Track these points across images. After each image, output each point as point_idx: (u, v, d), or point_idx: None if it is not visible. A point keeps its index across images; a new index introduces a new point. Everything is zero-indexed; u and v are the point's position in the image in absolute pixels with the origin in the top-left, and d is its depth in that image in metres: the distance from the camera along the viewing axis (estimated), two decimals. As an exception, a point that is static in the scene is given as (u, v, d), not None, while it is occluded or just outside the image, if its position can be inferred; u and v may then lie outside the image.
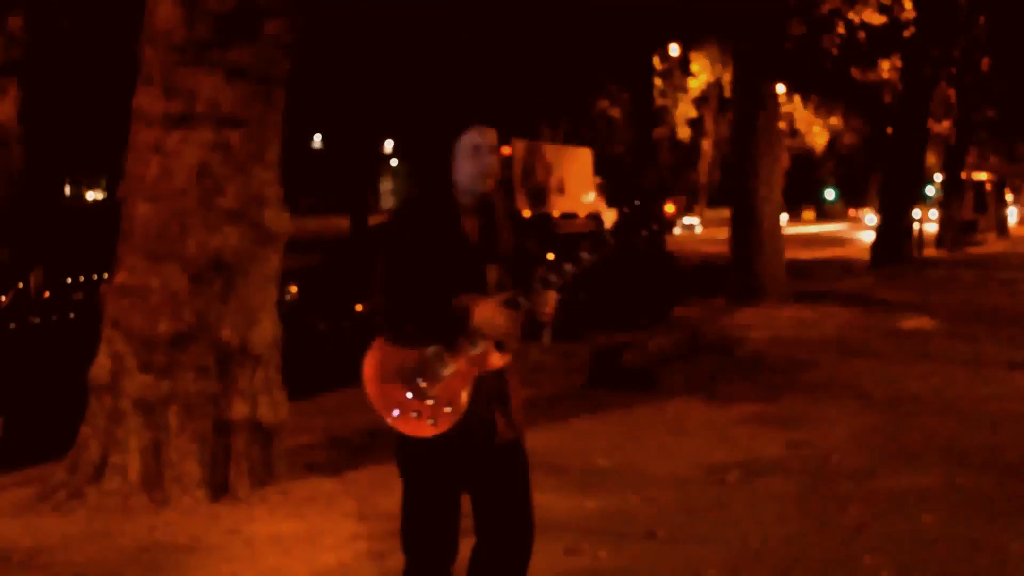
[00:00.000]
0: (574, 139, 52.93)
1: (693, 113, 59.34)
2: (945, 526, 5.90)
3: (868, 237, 36.48)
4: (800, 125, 58.35)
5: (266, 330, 6.70)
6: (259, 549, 5.62)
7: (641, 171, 13.33)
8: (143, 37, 6.56)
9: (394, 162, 68.27)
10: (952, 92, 33.52)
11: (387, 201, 67.69)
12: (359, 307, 11.95)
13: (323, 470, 7.10)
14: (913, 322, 14.77)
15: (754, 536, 5.75)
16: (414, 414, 3.62)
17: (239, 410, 6.54)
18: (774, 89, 17.34)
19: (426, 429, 3.60)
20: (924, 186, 39.20)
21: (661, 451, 7.68)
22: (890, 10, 23.01)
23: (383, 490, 6.59)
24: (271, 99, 6.76)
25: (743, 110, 16.66)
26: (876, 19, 22.93)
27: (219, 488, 6.43)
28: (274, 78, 6.76)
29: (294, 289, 12.27)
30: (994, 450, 7.62)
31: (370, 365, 3.66)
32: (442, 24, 29.25)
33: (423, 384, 3.61)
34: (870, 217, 60.69)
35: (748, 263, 16.71)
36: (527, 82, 38.03)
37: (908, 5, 23.56)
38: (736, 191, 16.90)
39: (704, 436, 8.17)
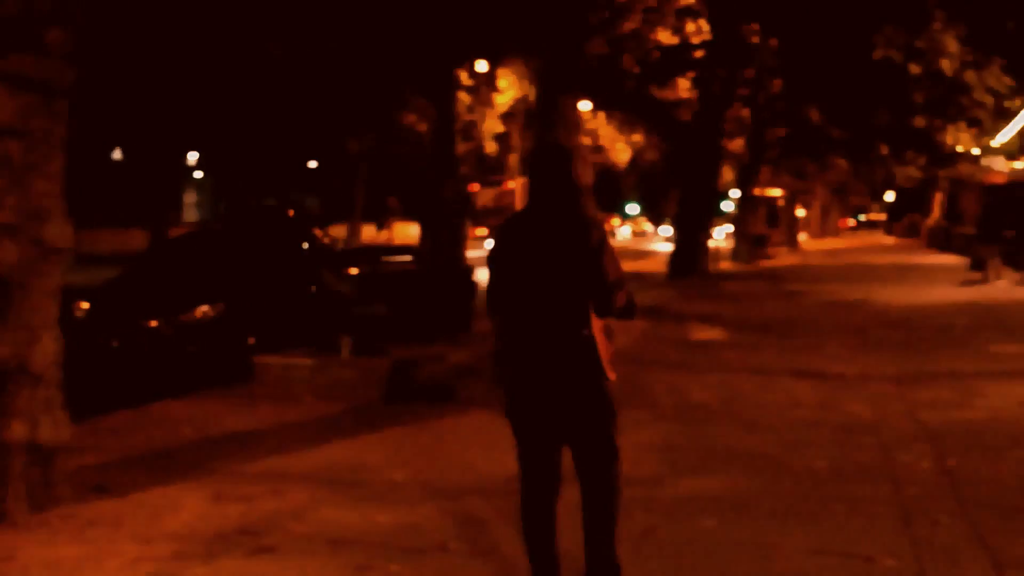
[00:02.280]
0: (381, 154, 52.87)
1: (500, 128, 59.95)
2: (725, 530, 6.13)
3: (668, 250, 37.50)
4: (604, 141, 59.71)
5: (47, 348, 6.48)
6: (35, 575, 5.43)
7: (442, 185, 13.42)
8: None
9: (198, 174, 66.76)
10: (745, 112, 34.84)
11: (190, 214, 66.12)
12: (154, 323, 11.65)
13: (111, 492, 6.90)
14: (704, 333, 15.30)
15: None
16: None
17: (17, 431, 6.30)
18: (574, 106, 17.69)
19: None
20: (719, 202, 40.60)
21: (457, 464, 7.74)
22: (681, 31, 23.80)
23: (172, 511, 6.46)
24: (53, 110, 6.55)
25: (544, 127, 16.93)
26: (669, 39, 23.69)
27: (-6, 513, 6.18)
28: (57, 88, 6.55)
29: (85, 305, 11.88)
30: (775, 455, 7.95)
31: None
32: (247, 36, 28.80)
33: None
34: (664, 228, 62.42)
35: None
36: (333, 96, 37.80)
37: (699, 27, 24.42)
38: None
39: (500, 448, 8.23)
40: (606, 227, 4.65)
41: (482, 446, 8.31)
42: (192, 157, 60.29)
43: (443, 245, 13.41)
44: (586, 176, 4.29)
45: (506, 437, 8.54)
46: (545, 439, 4.78)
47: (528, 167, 4.74)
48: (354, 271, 14.52)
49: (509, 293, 4.69)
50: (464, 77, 52.76)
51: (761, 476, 7.33)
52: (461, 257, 13.71)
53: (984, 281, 25.99)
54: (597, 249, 4.56)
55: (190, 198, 68.32)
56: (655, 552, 5.75)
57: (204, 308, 11.72)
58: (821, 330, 16.37)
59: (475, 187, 59.01)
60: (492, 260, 4.75)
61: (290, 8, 24.69)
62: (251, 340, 11.67)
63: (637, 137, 52.86)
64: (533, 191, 4.67)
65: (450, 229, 13.60)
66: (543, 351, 4.63)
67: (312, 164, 65.20)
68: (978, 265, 27.65)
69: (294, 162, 62.35)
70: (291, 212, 18.98)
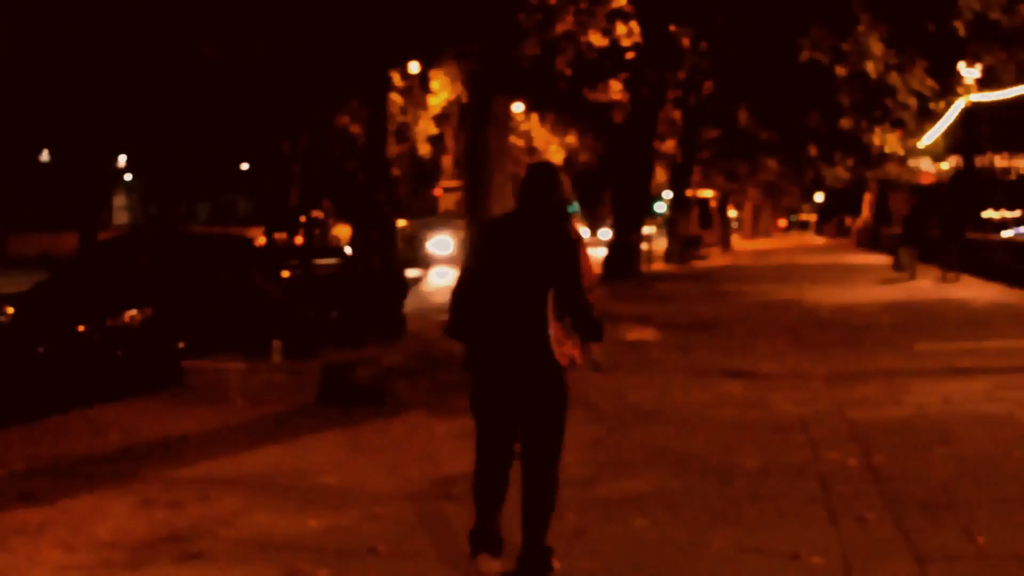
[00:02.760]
0: (315, 155, 52.55)
1: (434, 130, 59.87)
2: (656, 529, 6.17)
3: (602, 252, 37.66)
4: (538, 143, 59.85)
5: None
6: (-43, 586, 5.34)
7: (373, 188, 13.35)
8: None
9: (128, 177, 65.91)
10: (677, 113, 35.08)
11: (120, 217, 65.26)
12: (81, 328, 11.48)
13: (36, 499, 6.79)
14: (637, 334, 15.39)
15: (475, 547, 5.86)
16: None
17: (-63, 439, 6.18)
18: (507, 108, 17.69)
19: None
20: (653, 203, 40.88)
21: (388, 467, 7.71)
22: (611, 33, 23.91)
23: (98, 518, 6.38)
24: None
25: (476, 128, 16.92)
26: (600, 41, 23.78)
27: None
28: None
29: (10, 311, 11.68)
30: (706, 455, 8.02)
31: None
32: (178, 36, 28.47)
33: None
34: (604, 232, 62.70)
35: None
36: (265, 96, 37.51)
37: (629, 29, 24.54)
38: (469, 207, 17.12)
39: (432, 450, 8.26)
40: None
41: (414, 449, 8.30)
42: (122, 159, 59.50)
43: (375, 247, 13.35)
44: (569, 190, 4.76)
45: (437, 440, 8.58)
46: (502, 418, 5.32)
47: (522, 182, 5.27)
48: (285, 274, 14.42)
49: (481, 285, 5.23)
50: (397, 78, 52.72)
51: (692, 475, 7.39)
52: (393, 259, 13.65)
53: (908, 279, 26.54)
54: (574, 257, 5.16)
55: (120, 201, 67.41)
56: (586, 552, 5.77)
57: (132, 312, 11.57)
58: (752, 330, 16.55)
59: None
60: (473, 252, 5.35)
61: (222, 8, 24.49)
62: (181, 344, 11.53)
63: (571, 139, 53.10)
64: (524, 202, 5.26)
65: (382, 231, 13.54)
66: (504, 339, 5.16)
67: (244, 166, 64.67)
68: (901, 264, 28.28)
69: (226, 164, 61.77)
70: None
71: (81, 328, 11.50)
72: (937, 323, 16.90)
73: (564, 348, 5.19)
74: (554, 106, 35.66)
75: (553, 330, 5.14)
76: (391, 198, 13.97)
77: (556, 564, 5.40)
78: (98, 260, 14.13)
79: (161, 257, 13.13)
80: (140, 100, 37.35)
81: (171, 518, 6.39)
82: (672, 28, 24.71)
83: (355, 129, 49.01)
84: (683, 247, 39.18)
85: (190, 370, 10.65)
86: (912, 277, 26.72)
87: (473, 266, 5.32)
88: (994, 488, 6.91)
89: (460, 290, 5.35)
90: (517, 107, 47.12)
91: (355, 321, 12.66)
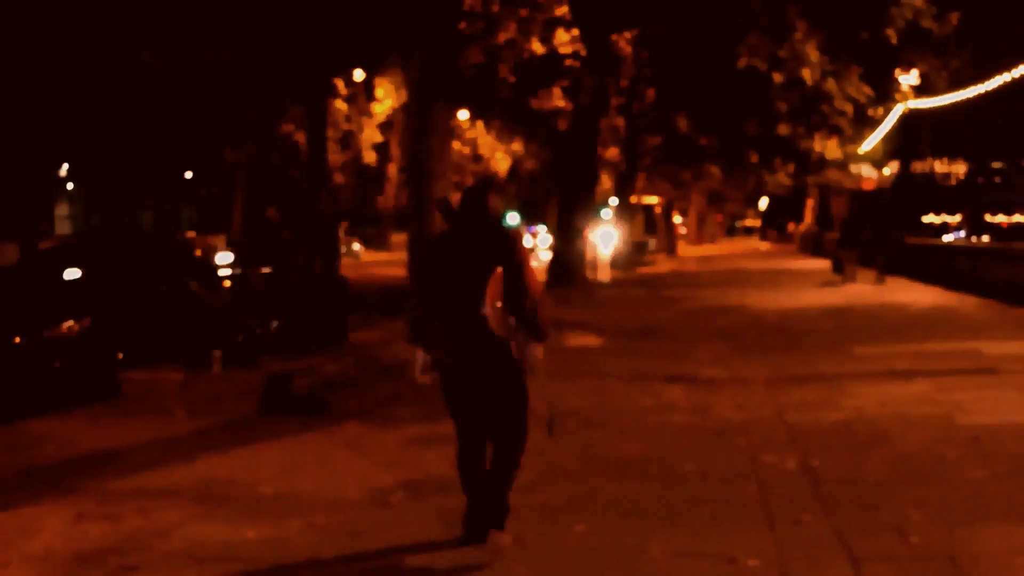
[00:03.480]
0: (260, 163, 52.22)
1: (379, 138, 59.73)
2: (594, 534, 6.19)
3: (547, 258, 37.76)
4: (484, 151, 59.89)
5: None
6: None
7: (315, 196, 13.30)
8: None
9: (70, 186, 65.10)
10: (620, 121, 35.26)
11: (63, 227, 64.44)
12: (17, 339, 11.34)
13: (-33, 515, 6.69)
14: (579, 340, 15.44)
15: (413, 555, 5.85)
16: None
17: None
18: (449, 115, 17.68)
19: None
20: (598, 210, 41.02)
21: (328, 476, 7.68)
22: (550, 40, 23.99)
23: (32, 532, 6.30)
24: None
25: (418, 136, 16.89)
26: (539, 49, 23.85)
27: None
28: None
29: (-57, 322, 11.52)
30: (646, 460, 8.06)
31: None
32: (119, 43, 28.21)
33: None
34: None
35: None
36: (208, 104, 37.24)
37: (572, 37, 24.64)
38: (412, 215, 17.08)
39: (372, 459, 8.24)
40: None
41: (353, 459, 8.27)
42: (64, 168, 58.78)
43: (317, 255, 13.29)
44: (500, 206, 5.43)
45: (378, 449, 8.56)
46: (468, 394, 5.91)
47: (460, 201, 5.95)
48: (227, 283, 14.33)
49: (435, 286, 5.85)
50: (341, 86, 52.57)
51: (632, 480, 7.43)
52: (335, 267, 13.60)
53: (845, 282, 26.91)
54: (516, 253, 5.79)
55: (62, 210, 66.56)
56: (523, 557, 5.78)
57: (70, 323, 11.43)
58: (695, 335, 16.66)
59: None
60: (426, 260, 6.05)
61: (164, 15, 24.28)
62: (120, 355, 11.42)
63: (517, 146, 53.19)
64: (461, 219, 5.94)
65: (324, 239, 13.48)
66: (455, 326, 5.76)
67: (189, 174, 64.12)
68: (839, 267, 28.73)
69: (170, 172, 61.20)
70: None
71: (17, 339, 11.36)
72: (876, 327, 17.10)
73: (500, 319, 5.71)
74: (498, 114, 35.69)
75: (489, 312, 5.67)
76: (333, 205, 13.93)
77: (508, 539, 5.91)
78: (35, 270, 13.96)
79: (100, 266, 13.00)
80: (82, 108, 36.96)
81: (107, 531, 6.32)
82: (613, 36, 24.86)
83: (300, 137, 48.81)
84: (628, 253, 39.35)
85: (129, 381, 10.54)
86: (851, 280, 27.13)
87: (424, 279, 5.94)
88: (928, 489, 7.01)
89: (415, 302, 5.93)
90: (462, 115, 47.18)
91: (297, 330, 12.60)
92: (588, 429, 9.30)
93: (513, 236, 5.88)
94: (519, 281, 5.71)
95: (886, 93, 22.86)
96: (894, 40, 16.81)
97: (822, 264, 37.53)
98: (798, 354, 13.99)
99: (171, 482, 7.56)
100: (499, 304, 5.67)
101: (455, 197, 6.13)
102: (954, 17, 16.77)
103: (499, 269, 5.69)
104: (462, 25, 20.00)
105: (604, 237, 33.02)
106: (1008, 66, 21.14)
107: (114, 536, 6.22)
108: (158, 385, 10.40)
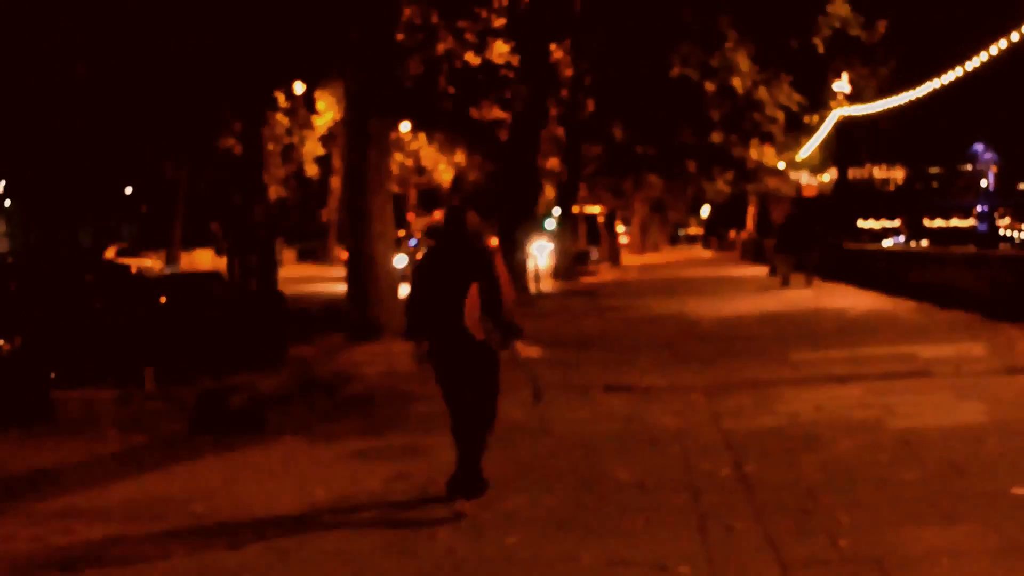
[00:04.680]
0: (200, 178, 51.81)
1: (321, 151, 59.46)
2: (526, 546, 6.18)
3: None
4: (427, 162, 59.77)
5: None
6: None
7: (250, 209, 13.20)
8: None
9: (7, 203, 64.16)
10: (561, 130, 35.34)
11: (1, 244, 63.45)
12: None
13: None
14: (520, 351, 15.38)
15: (343, 571, 5.82)
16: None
17: None
18: (386, 128, 17.65)
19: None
20: (540, 220, 41.10)
21: (261, 494, 7.61)
22: (483, 52, 24.02)
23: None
24: None
25: (355, 148, 16.85)
26: (475, 60, 23.87)
27: None
28: None
29: None
30: (582, 469, 8.07)
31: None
32: (51, 56, 27.88)
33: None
34: None
35: (364, 300, 16.87)
36: (146, 118, 36.89)
37: (512, 48, 24.69)
38: (351, 229, 17.04)
39: (306, 475, 8.18)
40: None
41: (288, 476, 8.21)
42: (0, 185, 57.95)
43: (253, 271, 13.18)
44: (478, 224, 6.95)
45: (312, 466, 8.50)
46: (454, 381, 7.03)
47: (443, 219, 7.11)
48: (163, 299, 14.15)
49: (424, 293, 7.04)
50: (282, 99, 52.26)
51: (566, 491, 7.43)
52: (273, 282, 13.50)
53: (784, 287, 27.27)
54: (491, 267, 6.97)
55: (-1, 228, 65.58)
56: (454, 571, 5.75)
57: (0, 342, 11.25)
58: (635, 344, 16.70)
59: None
60: (418, 270, 7.17)
61: (99, 27, 24.05)
62: (52, 375, 11.24)
63: (459, 157, 53.11)
64: (444, 235, 7.09)
65: (260, 254, 13.38)
66: (445, 324, 6.94)
67: (129, 190, 63.43)
68: (775, 272, 29.18)
69: (109, 188, 60.49)
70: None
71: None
72: (813, 332, 17.25)
73: (479, 325, 6.90)
74: (440, 125, 35.65)
75: (468, 314, 6.85)
76: (269, 219, 13.84)
77: (466, 508, 6.85)
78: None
79: (31, 285, 12.80)
80: (16, 123, 36.47)
81: (31, 552, 6.23)
82: (551, 46, 24.95)
83: (240, 151, 48.47)
84: (570, 263, 39.41)
85: (60, 400, 10.39)
86: (787, 284, 27.55)
87: (418, 284, 7.11)
88: (859, 492, 7.07)
89: (411, 303, 7.13)
90: (405, 127, 47.06)
91: (233, 346, 12.48)
92: (525, 440, 9.29)
93: (489, 254, 7.00)
94: (495, 293, 6.93)
95: (820, 100, 23.12)
96: (821, 49, 17.01)
97: (762, 270, 37.83)
98: (735, 361, 14.07)
99: (100, 502, 7.46)
100: (477, 314, 6.86)
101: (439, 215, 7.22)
102: (882, 25, 16.99)
103: (476, 284, 6.86)
104: (401, 37, 19.98)
105: (539, 248, 33.09)
106: (938, 72, 21.50)
107: (37, 558, 6.13)
108: (91, 404, 10.28)
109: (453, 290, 6.90)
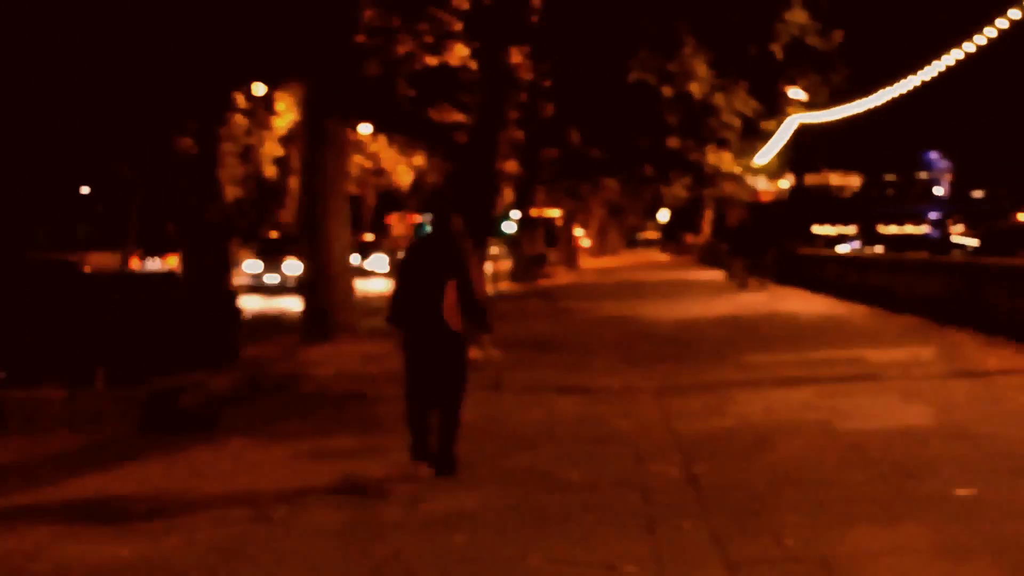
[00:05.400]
0: (157, 179, 51.33)
1: (280, 152, 59.12)
2: (474, 545, 6.19)
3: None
4: (386, 164, 59.60)
5: None
6: None
7: (203, 209, 13.13)
8: None
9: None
10: (520, 133, 35.35)
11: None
12: None
13: None
14: (473, 353, 15.39)
15: (293, 570, 5.80)
16: None
17: None
18: (343, 129, 17.62)
19: None
20: (500, 223, 41.10)
21: (211, 492, 7.57)
22: (440, 53, 23.96)
23: None
24: None
25: (312, 149, 16.81)
26: (432, 61, 23.81)
27: None
28: None
29: None
30: (533, 470, 8.09)
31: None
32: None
33: None
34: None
35: (319, 300, 16.83)
36: (100, 117, 36.50)
37: (469, 51, 24.64)
38: (306, 230, 16.99)
39: (256, 475, 8.15)
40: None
41: (238, 475, 8.18)
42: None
43: (206, 271, 13.11)
44: (459, 225, 7.84)
45: (261, 466, 8.46)
46: (422, 364, 7.83)
47: (431, 206, 7.31)
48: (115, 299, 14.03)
49: (406, 284, 7.86)
50: (242, 100, 51.93)
51: (517, 490, 7.45)
52: (226, 282, 13.43)
53: (740, 290, 27.56)
54: (469, 274, 7.76)
55: (-51, 227, 64.75)
56: (399, 570, 5.75)
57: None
58: (590, 347, 16.76)
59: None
60: (403, 263, 8.01)
61: (48, 21, 23.75)
62: (2, 375, 11.14)
63: (419, 160, 52.98)
64: (432, 226, 7.95)
65: (213, 254, 13.31)
66: (423, 313, 7.75)
67: (85, 190, 62.80)
68: (731, 275, 29.53)
69: (64, 188, 59.86)
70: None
71: None
72: (766, 336, 17.39)
73: (455, 317, 7.71)
74: (398, 127, 35.54)
75: (447, 305, 7.64)
76: (225, 219, 13.76)
77: (428, 472, 7.78)
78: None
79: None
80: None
81: (-25, 553, 6.16)
82: (511, 49, 24.95)
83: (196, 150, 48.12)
84: (528, 266, 39.48)
85: (9, 400, 10.28)
86: (743, 287, 27.85)
87: (398, 277, 7.91)
88: (805, 493, 7.14)
89: (395, 292, 7.92)
90: (365, 128, 46.88)
91: (185, 346, 12.41)
92: (477, 441, 9.28)
93: (465, 254, 7.73)
94: (469, 290, 7.70)
95: (777, 107, 23.30)
96: (780, 56, 17.16)
97: (718, 274, 38.06)
98: (689, 364, 14.16)
99: (46, 501, 7.40)
100: (454, 307, 7.65)
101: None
102: (838, 34, 17.15)
103: (452, 281, 7.61)
104: (361, 39, 19.93)
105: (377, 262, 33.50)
106: (893, 81, 21.73)
107: (-17, 557, 6.07)
108: (39, 404, 10.18)
109: (430, 284, 7.67)
